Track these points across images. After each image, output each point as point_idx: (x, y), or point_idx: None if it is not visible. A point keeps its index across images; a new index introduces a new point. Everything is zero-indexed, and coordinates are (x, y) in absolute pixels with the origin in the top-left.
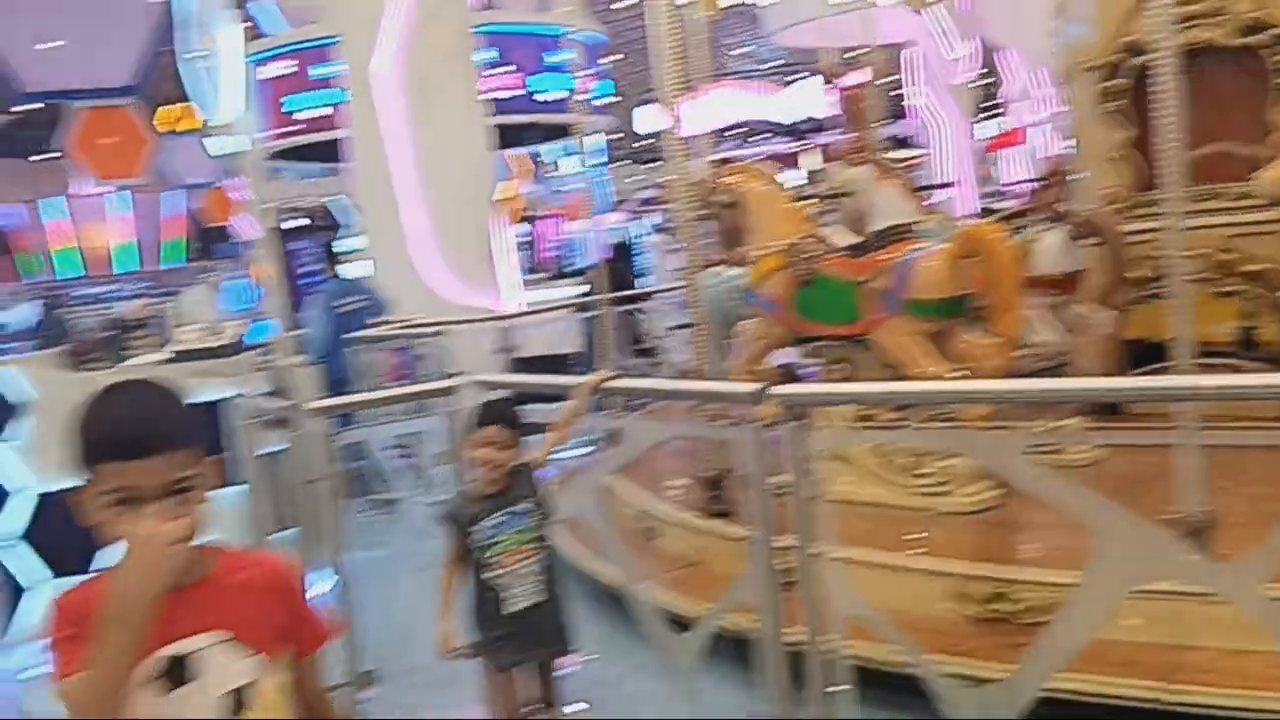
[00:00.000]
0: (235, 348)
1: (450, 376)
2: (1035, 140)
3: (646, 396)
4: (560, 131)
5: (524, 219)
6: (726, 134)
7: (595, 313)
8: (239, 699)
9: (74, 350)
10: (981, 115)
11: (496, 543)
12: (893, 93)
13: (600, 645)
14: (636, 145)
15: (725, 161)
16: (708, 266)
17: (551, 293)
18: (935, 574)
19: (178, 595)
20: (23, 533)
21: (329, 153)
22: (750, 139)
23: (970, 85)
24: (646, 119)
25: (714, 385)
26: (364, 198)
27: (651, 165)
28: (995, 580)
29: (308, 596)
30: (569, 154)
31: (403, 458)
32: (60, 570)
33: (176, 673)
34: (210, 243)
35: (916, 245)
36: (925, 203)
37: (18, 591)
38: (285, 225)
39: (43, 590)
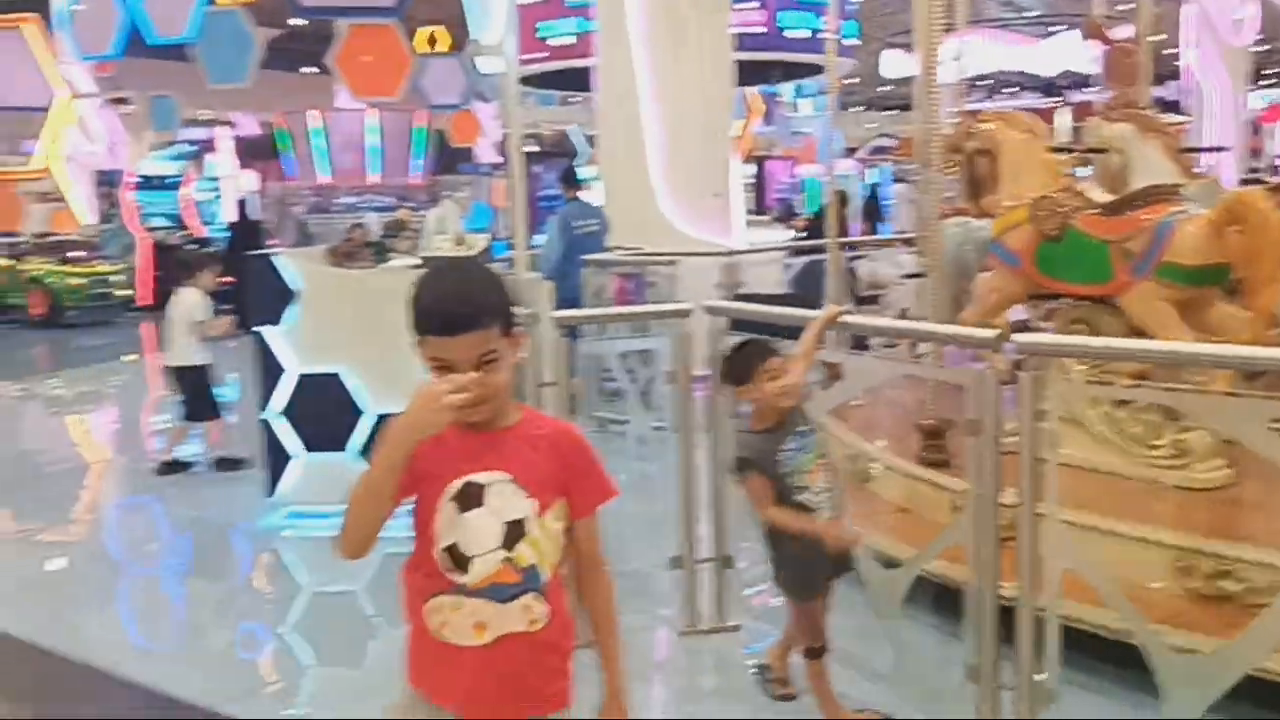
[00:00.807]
0: (482, 258)
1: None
2: None
3: (881, 335)
4: (801, 71)
5: (752, 159)
6: (975, 85)
7: (820, 257)
8: (515, 531)
9: (335, 250)
10: (1257, 84)
11: (799, 466)
12: (1161, 53)
13: None
14: (878, 91)
15: (973, 114)
16: (950, 215)
17: (777, 234)
18: (1160, 545)
19: (481, 437)
20: (285, 409)
21: (569, 80)
22: (1000, 92)
23: (1248, 50)
24: (893, 63)
25: (950, 328)
26: (605, 126)
27: (889, 113)
28: (1222, 557)
29: (592, 462)
30: (805, 95)
31: (630, 380)
32: (313, 446)
33: (470, 496)
34: (454, 163)
35: (1178, 207)
36: (1191, 166)
37: (282, 461)
38: (525, 150)
39: (301, 462)
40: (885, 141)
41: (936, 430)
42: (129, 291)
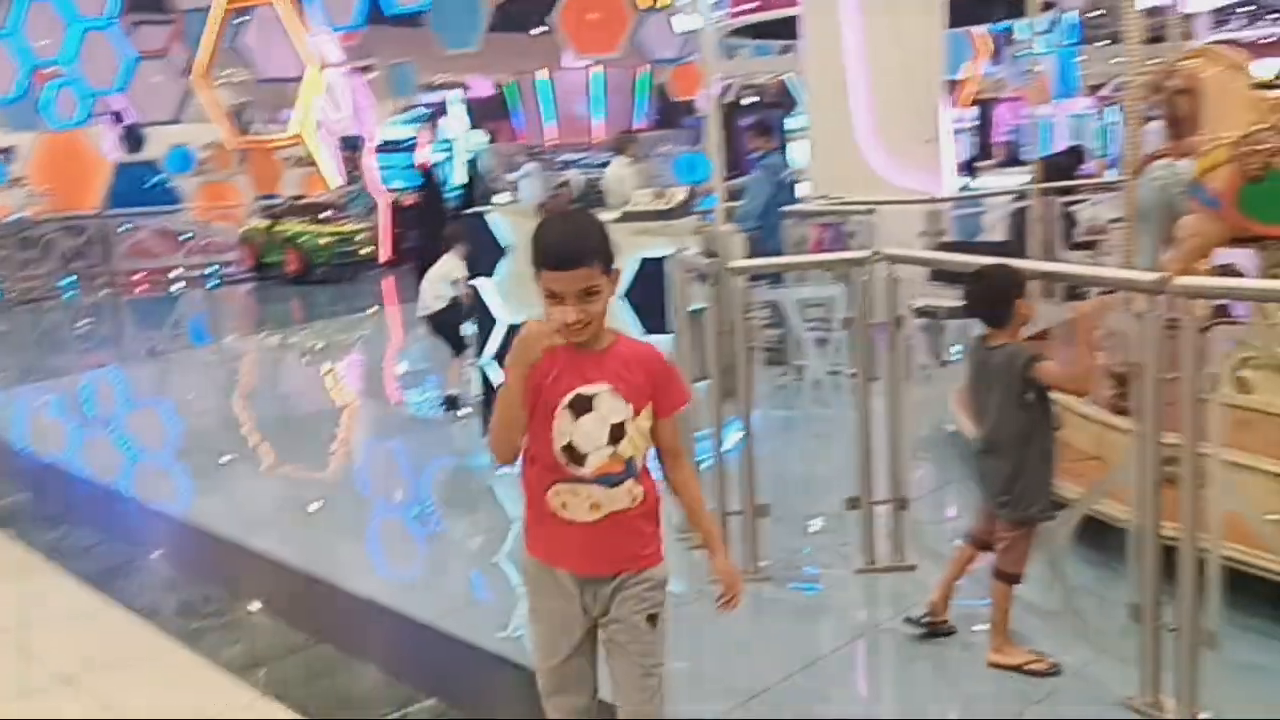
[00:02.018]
0: (680, 211)
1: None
2: None
3: (1036, 278)
4: (1028, 7)
5: (976, 102)
6: (1234, 11)
7: (1029, 203)
8: (617, 431)
9: (544, 205)
10: None
11: None
12: None
13: None
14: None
15: (1228, 43)
16: (1156, 158)
17: (999, 179)
18: None
19: (586, 356)
20: (497, 356)
21: (786, 29)
22: (1262, 18)
23: None
24: None
25: (1110, 271)
26: (813, 75)
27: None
28: None
29: (671, 375)
30: (1040, 32)
31: (815, 329)
32: None
33: (581, 404)
34: (675, 116)
35: None
36: None
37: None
38: (744, 101)
39: None
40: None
41: (1125, 376)
42: (371, 249)
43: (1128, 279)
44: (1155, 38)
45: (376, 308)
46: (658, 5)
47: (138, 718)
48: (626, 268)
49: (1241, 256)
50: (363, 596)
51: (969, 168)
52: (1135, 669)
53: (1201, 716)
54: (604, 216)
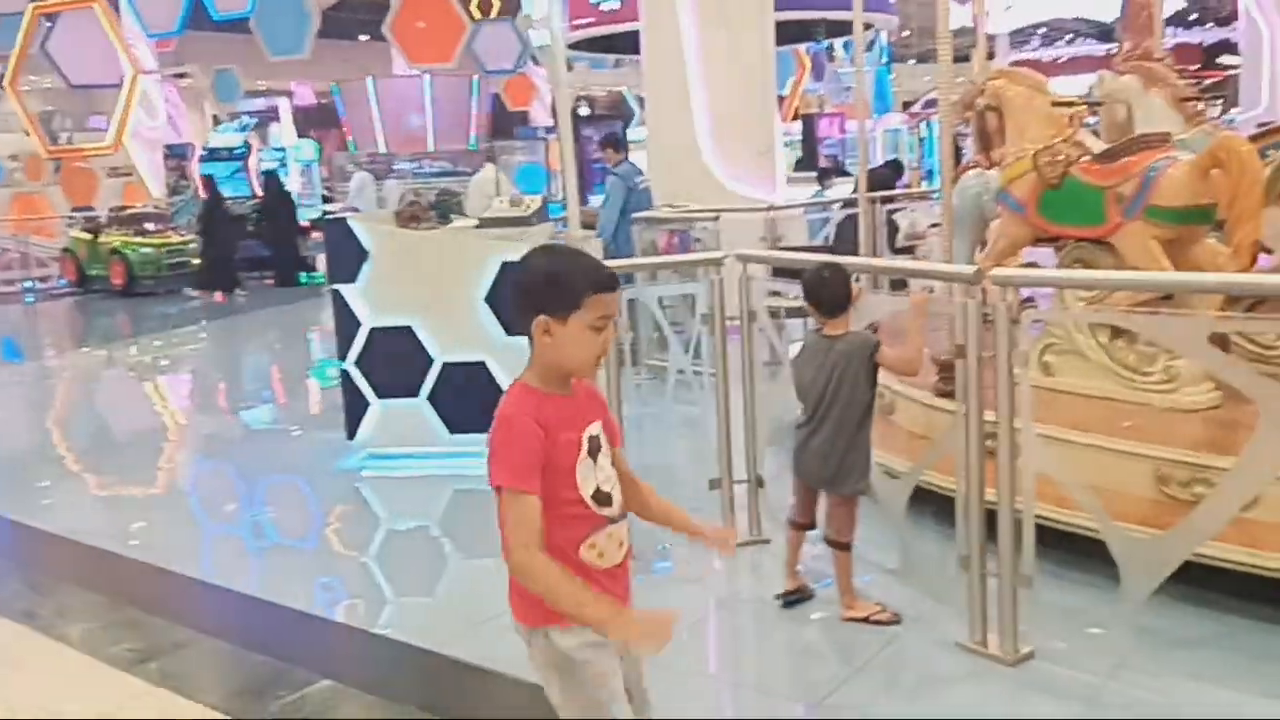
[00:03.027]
0: (537, 218)
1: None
2: None
3: (870, 273)
4: (846, 27)
5: (799, 116)
6: (1031, 33)
7: (856, 210)
8: (616, 462)
9: (400, 214)
10: None
11: None
12: None
13: None
14: (929, 46)
15: (1026, 63)
16: (969, 169)
17: (831, 190)
18: (1142, 457)
19: (571, 399)
20: (359, 360)
21: (621, 44)
22: (1055, 40)
23: None
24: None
25: (935, 265)
26: (652, 87)
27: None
28: (1195, 466)
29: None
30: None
31: (675, 329)
32: (387, 393)
33: (594, 445)
34: (510, 126)
35: (1165, 154)
36: (1193, 115)
37: (360, 407)
38: (581, 112)
39: (374, 408)
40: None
41: (949, 364)
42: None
43: (950, 272)
44: (961, 57)
45: (204, 320)
46: (491, 15)
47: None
48: (486, 272)
49: (1043, 255)
50: (247, 594)
51: (824, 177)
52: (966, 613)
53: (1022, 650)
54: (462, 224)
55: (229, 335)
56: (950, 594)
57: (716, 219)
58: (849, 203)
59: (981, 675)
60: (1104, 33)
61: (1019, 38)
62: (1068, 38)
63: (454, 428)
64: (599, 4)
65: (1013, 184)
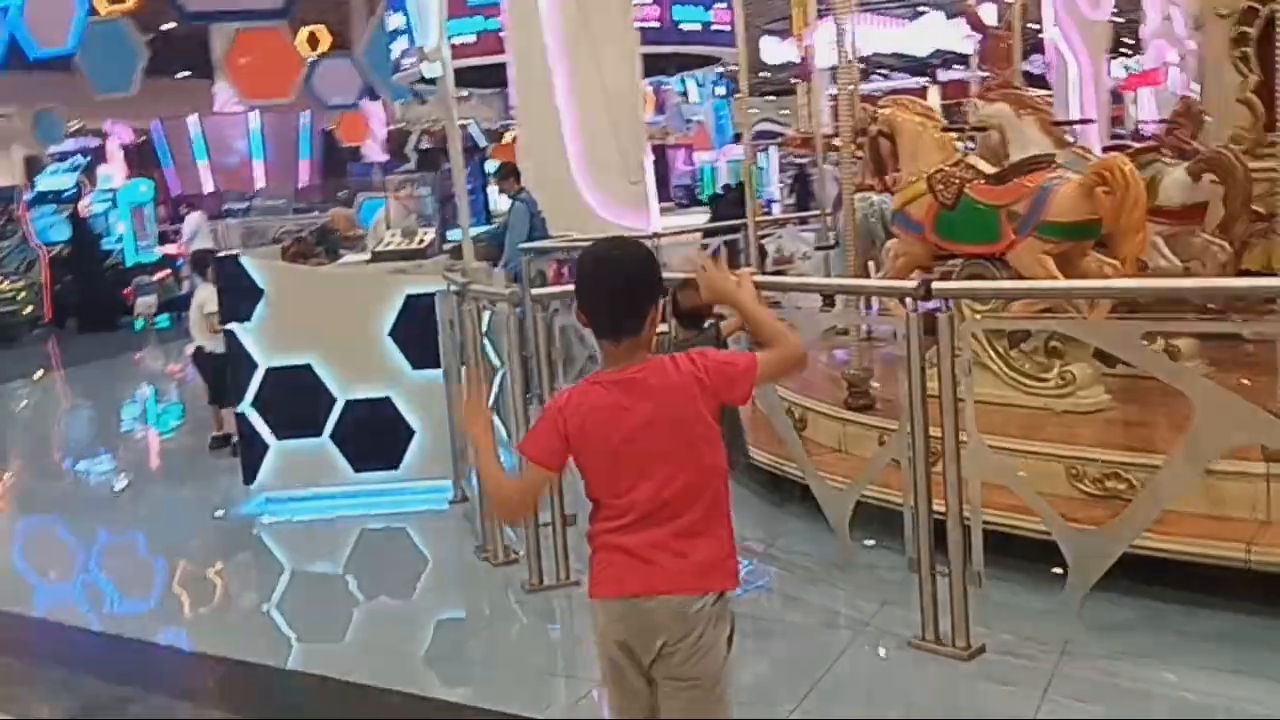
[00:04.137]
0: (431, 251)
1: None
2: (1173, 79)
3: (811, 292)
4: (693, 62)
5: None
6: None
7: (731, 236)
8: None
9: (287, 250)
10: (1115, 54)
11: None
12: (1026, 27)
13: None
14: (759, 76)
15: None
16: (856, 191)
17: (685, 219)
18: (1053, 457)
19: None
20: (256, 401)
21: (470, 78)
22: (874, 74)
23: (1107, 23)
24: (773, 49)
25: (879, 282)
26: (524, 120)
27: (768, 98)
28: (1105, 462)
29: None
30: (698, 85)
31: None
32: (287, 434)
33: None
34: (342, 163)
35: (1054, 174)
36: (1063, 138)
37: (260, 450)
38: (423, 147)
39: (274, 450)
40: (768, 126)
41: (858, 380)
42: (33, 308)
43: (893, 287)
44: (786, 91)
45: (43, 370)
46: (319, 50)
47: None
48: (390, 305)
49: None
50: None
51: (713, 203)
52: (910, 614)
53: (974, 644)
54: (354, 259)
55: (85, 384)
56: (895, 596)
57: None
58: (732, 229)
59: (940, 670)
60: (916, 68)
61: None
62: (884, 71)
63: (359, 466)
64: (452, 38)
65: (909, 206)
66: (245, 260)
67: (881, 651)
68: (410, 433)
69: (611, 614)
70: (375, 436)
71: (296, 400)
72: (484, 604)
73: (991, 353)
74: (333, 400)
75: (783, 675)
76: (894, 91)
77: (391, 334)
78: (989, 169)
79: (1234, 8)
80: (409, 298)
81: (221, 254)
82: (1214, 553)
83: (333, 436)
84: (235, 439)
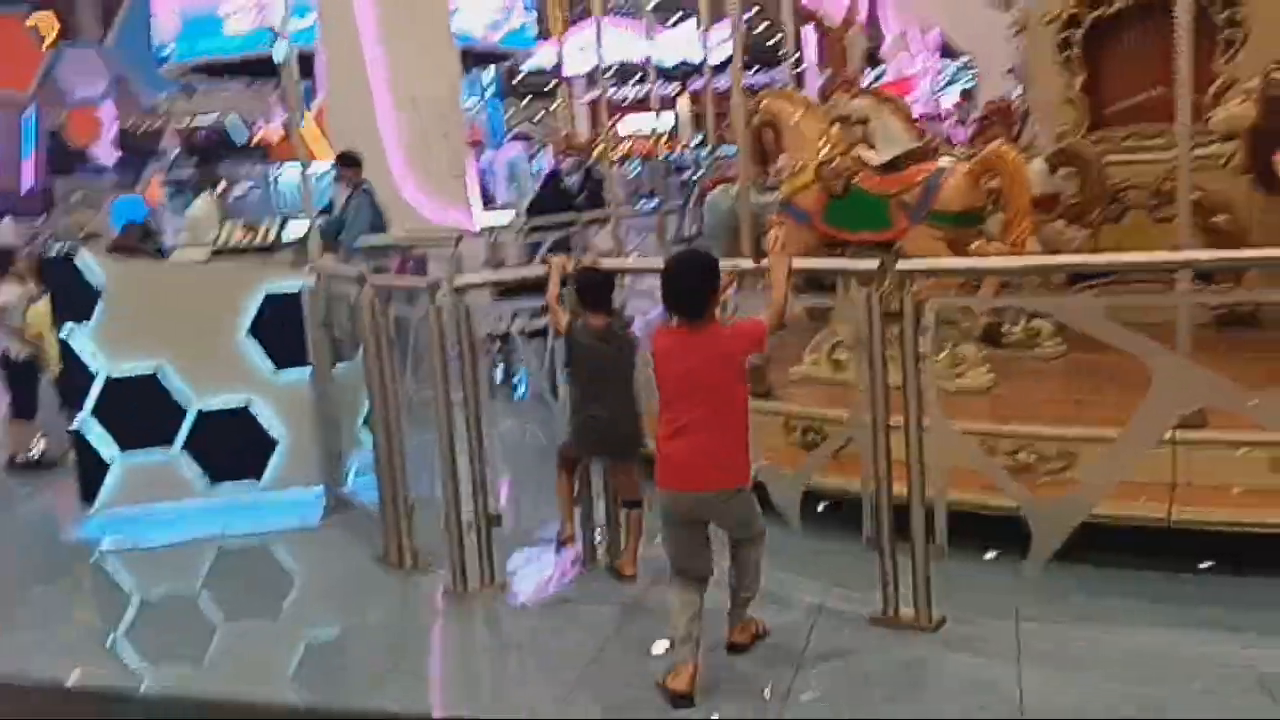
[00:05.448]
0: (276, 245)
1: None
2: (924, 88)
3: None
4: (484, 60)
5: None
6: (603, 73)
7: (563, 233)
8: None
9: (116, 247)
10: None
11: None
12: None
13: None
14: (516, 80)
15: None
16: (717, 184)
17: (494, 216)
18: (966, 434)
19: None
20: (96, 412)
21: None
22: (626, 81)
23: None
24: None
25: (839, 261)
26: (338, 115)
27: (527, 100)
28: (1017, 436)
29: None
30: (467, 84)
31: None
32: (127, 447)
33: None
34: (71, 163)
35: (940, 164)
36: (922, 132)
37: (99, 468)
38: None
39: (118, 465)
40: (525, 129)
41: (758, 368)
42: None
43: (849, 268)
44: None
45: None
46: (50, 41)
47: None
48: (250, 303)
49: None
50: None
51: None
52: (864, 594)
53: (936, 617)
54: (193, 254)
55: None
56: (842, 578)
57: (457, 242)
58: (566, 224)
59: (906, 643)
60: (669, 75)
61: (603, 77)
62: (639, 76)
63: (216, 477)
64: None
65: (797, 195)
66: (79, 258)
67: (847, 632)
68: (273, 440)
69: None
70: (234, 445)
71: (143, 410)
72: (404, 613)
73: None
74: (184, 408)
75: (761, 660)
76: (641, 101)
77: (250, 334)
78: (876, 159)
79: (1057, 13)
80: (273, 295)
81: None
82: (1141, 514)
83: (185, 447)
84: (38, 456)
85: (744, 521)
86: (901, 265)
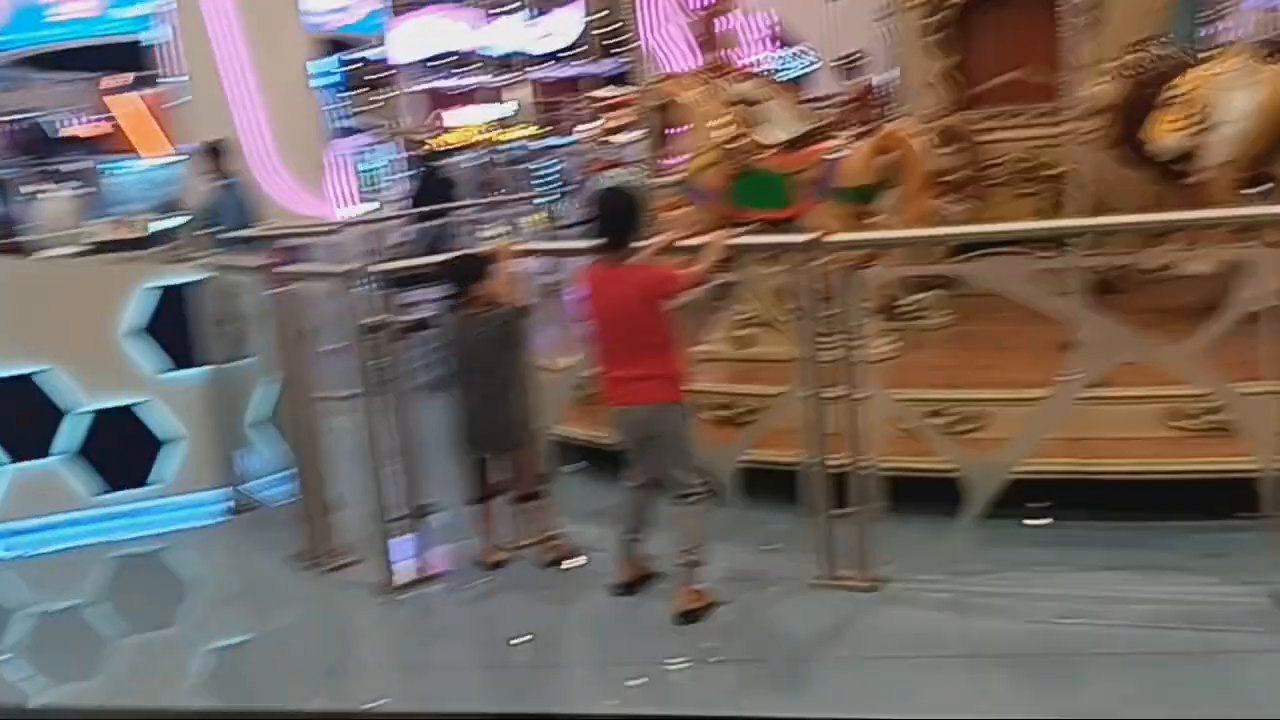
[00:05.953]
0: (152, 240)
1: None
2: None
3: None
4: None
5: None
6: (435, 64)
7: (443, 221)
8: None
9: None
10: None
11: None
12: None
13: None
14: (353, 68)
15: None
16: (608, 168)
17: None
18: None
19: None
20: None
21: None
22: (458, 70)
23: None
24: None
25: (774, 237)
26: (196, 108)
27: (358, 91)
28: (935, 401)
29: None
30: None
31: None
32: (17, 455)
33: None
34: None
35: (838, 143)
36: (805, 113)
37: None
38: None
39: (4, 478)
40: (352, 123)
41: None
42: None
43: (786, 241)
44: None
45: None
46: None
47: None
48: (134, 299)
49: None
50: None
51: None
52: (797, 559)
53: (880, 576)
54: (65, 251)
55: None
56: (786, 545)
57: (331, 232)
58: (442, 213)
59: (851, 603)
60: (502, 65)
61: (431, 66)
62: (471, 67)
63: (110, 483)
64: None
65: (700, 175)
66: None
67: (789, 597)
68: (163, 443)
69: None
70: (126, 449)
71: (19, 417)
72: (329, 611)
73: (777, 312)
74: (62, 413)
75: (710, 627)
76: (474, 89)
77: (136, 332)
78: (771, 139)
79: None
80: (159, 290)
81: None
82: (1061, 469)
83: (73, 453)
84: None
85: (683, 435)
86: (832, 240)
